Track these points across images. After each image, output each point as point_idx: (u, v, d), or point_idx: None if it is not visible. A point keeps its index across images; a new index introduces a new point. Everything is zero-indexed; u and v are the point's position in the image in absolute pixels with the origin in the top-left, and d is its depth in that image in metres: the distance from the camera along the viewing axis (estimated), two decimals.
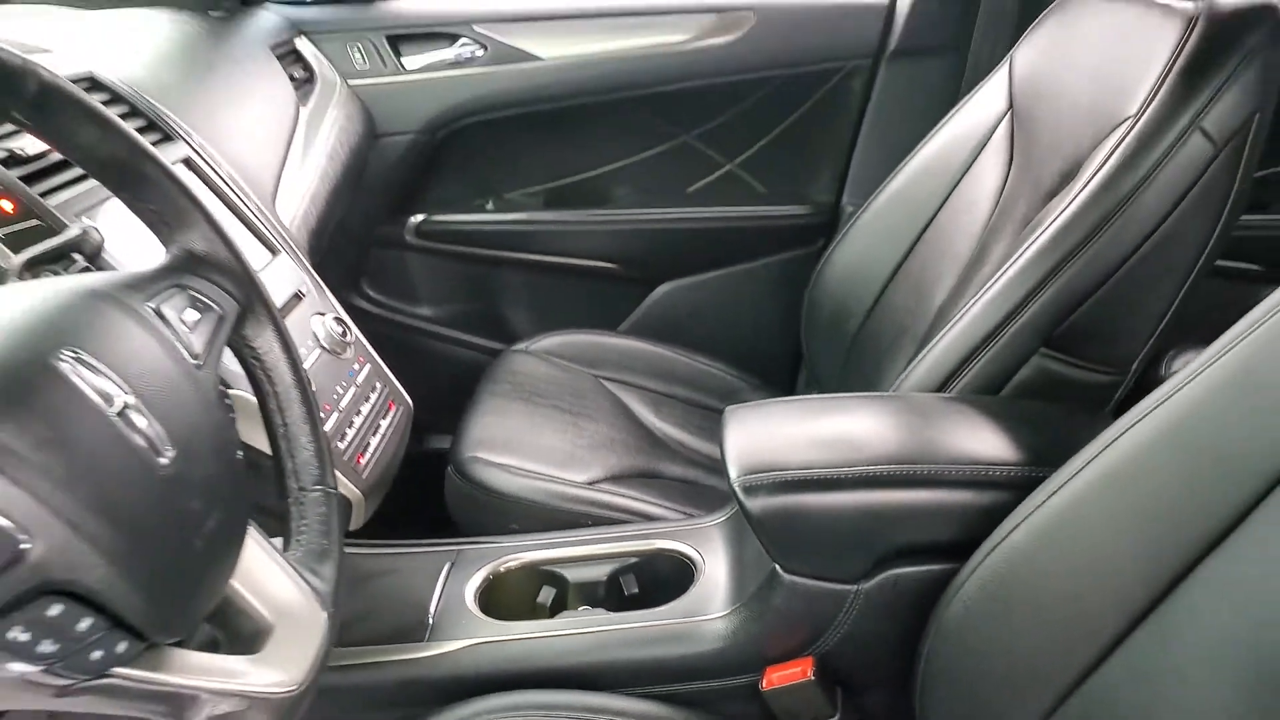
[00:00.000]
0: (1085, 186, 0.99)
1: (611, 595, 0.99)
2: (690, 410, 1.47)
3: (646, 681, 0.87)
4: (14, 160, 0.75)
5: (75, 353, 0.46)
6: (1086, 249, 0.97)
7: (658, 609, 0.92)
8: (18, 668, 0.41)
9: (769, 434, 0.90)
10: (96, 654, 0.43)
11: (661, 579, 0.98)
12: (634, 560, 1.00)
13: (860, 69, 1.62)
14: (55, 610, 0.41)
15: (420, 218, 1.68)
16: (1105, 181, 0.97)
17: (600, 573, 1.00)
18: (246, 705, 0.50)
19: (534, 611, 0.98)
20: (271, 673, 0.52)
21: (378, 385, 0.96)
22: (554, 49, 1.59)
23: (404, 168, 1.63)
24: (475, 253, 1.70)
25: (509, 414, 1.31)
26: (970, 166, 1.32)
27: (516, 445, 1.24)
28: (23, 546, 0.40)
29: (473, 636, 0.91)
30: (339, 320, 0.96)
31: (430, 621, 0.93)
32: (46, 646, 0.41)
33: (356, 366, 0.95)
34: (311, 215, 1.15)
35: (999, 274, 1.03)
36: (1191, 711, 0.57)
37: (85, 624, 0.42)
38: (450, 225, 1.69)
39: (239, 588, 0.54)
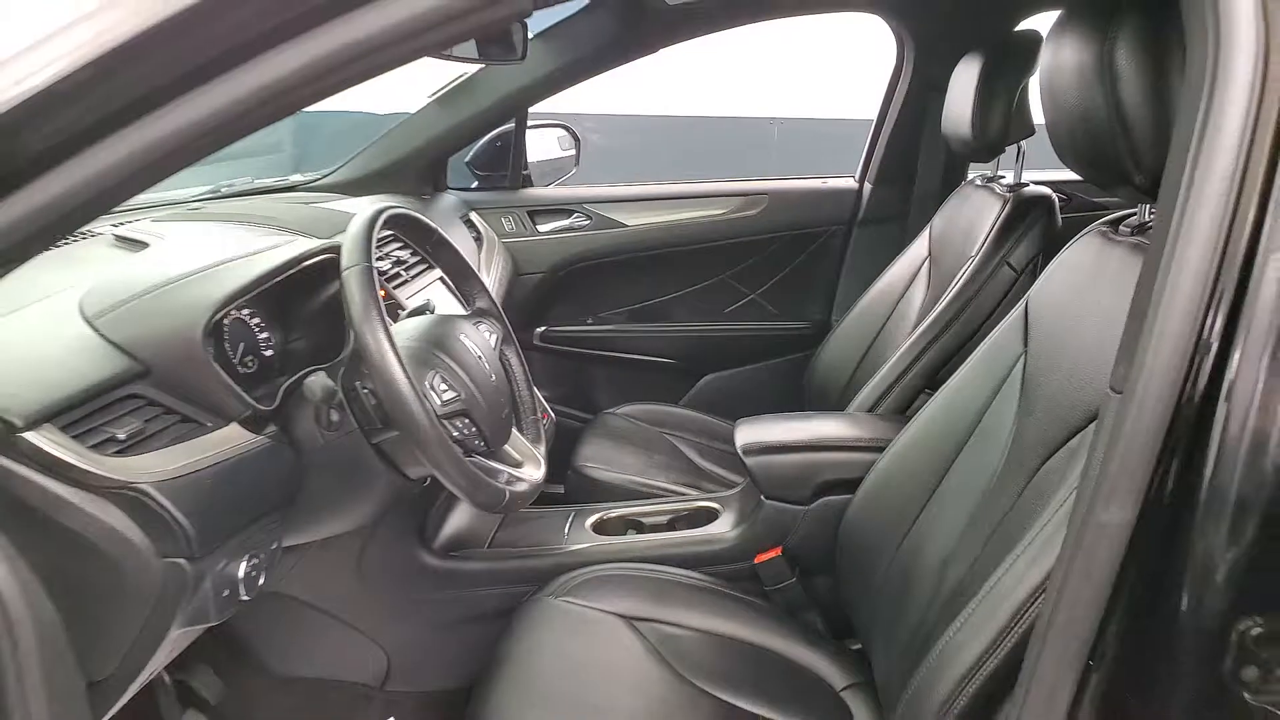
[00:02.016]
0: (949, 294, 1.64)
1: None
2: (723, 455, 2.07)
3: (690, 565, 1.46)
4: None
5: (464, 335, 1.13)
6: (949, 329, 1.61)
7: (696, 530, 1.54)
8: (455, 443, 1.05)
9: (760, 427, 1.53)
10: (477, 444, 1.08)
11: (699, 521, 1.59)
12: (684, 512, 1.62)
13: (840, 230, 2.29)
14: (466, 422, 1.06)
15: (543, 328, 2.34)
16: (958, 291, 1.62)
17: (663, 519, 1.61)
18: (520, 481, 1.13)
19: None
20: (532, 472, 1.16)
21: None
22: (636, 219, 2.28)
23: (535, 295, 2.29)
24: (579, 352, 2.34)
25: (605, 446, 1.95)
26: (906, 290, 1.96)
27: (612, 461, 1.87)
28: (461, 397, 1.05)
29: (590, 543, 1.53)
30: None
31: (565, 537, 1.55)
32: (465, 433, 1.06)
33: None
34: None
35: (904, 345, 1.67)
36: (948, 521, 1.16)
37: (473, 430, 1.07)
38: (563, 333, 2.34)
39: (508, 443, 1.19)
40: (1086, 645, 0.69)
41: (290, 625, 1.54)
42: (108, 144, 0.68)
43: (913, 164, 2.20)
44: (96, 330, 0.97)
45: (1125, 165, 0.86)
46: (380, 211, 1.08)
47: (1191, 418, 0.64)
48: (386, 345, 0.95)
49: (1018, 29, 1.90)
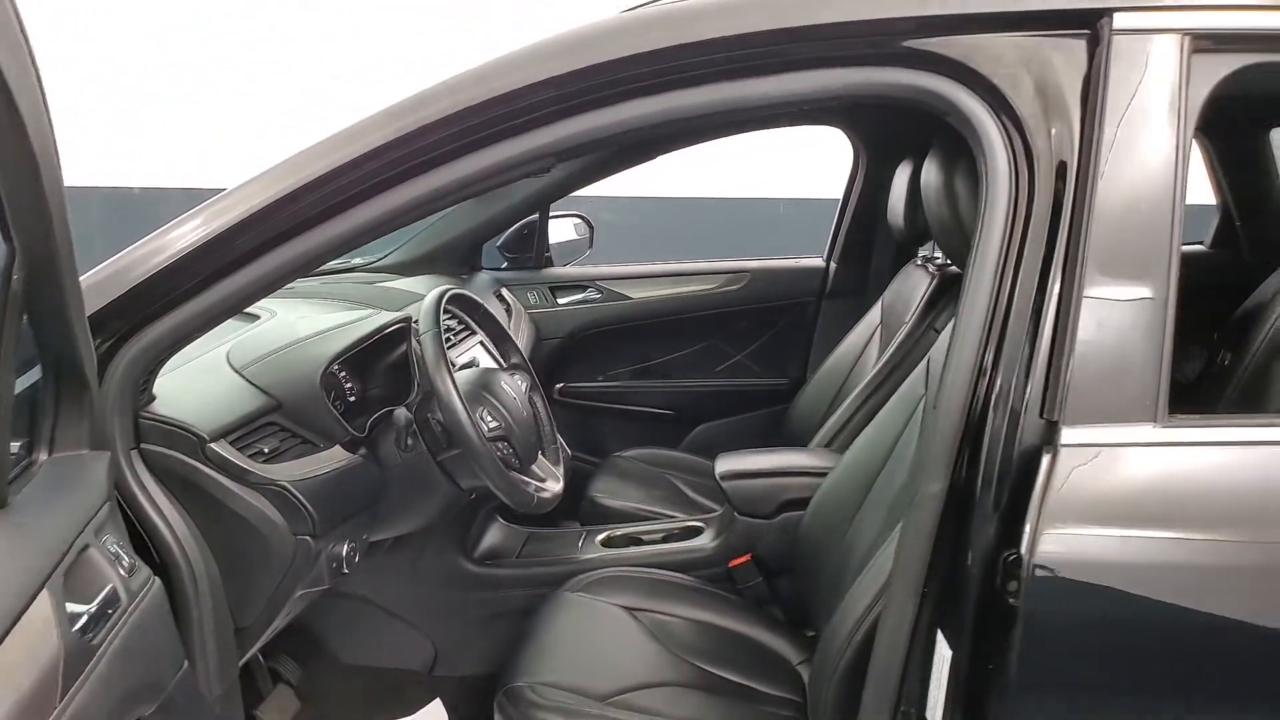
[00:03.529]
0: (888, 352, 1.98)
1: None
2: (711, 489, 2.35)
3: (678, 570, 1.78)
4: None
5: (504, 382, 1.49)
6: (888, 381, 1.95)
7: (683, 542, 1.86)
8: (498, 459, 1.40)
9: (734, 459, 1.87)
10: (513, 461, 1.42)
11: (686, 536, 1.91)
12: (675, 530, 1.95)
13: (810, 302, 2.64)
14: (505, 444, 1.41)
15: (561, 385, 2.68)
16: (894, 350, 1.97)
17: (658, 536, 1.94)
18: (545, 490, 1.47)
19: None
20: (553, 485, 1.50)
21: None
22: (640, 293, 2.64)
23: (555, 357, 2.63)
24: (592, 405, 2.67)
25: (615, 481, 2.28)
26: (863, 351, 2.30)
27: (619, 493, 2.20)
28: (502, 426, 1.41)
29: (599, 553, 1.86)
30: None
31: (579, 550, 1.88)
32: (505, 452, 1.40)
33: None
34: None
35: (855, 395, 2.01)
36: (871, 524, 1.48)
37: (510, 451, 1.42)
38: (579, 389, 2.67)
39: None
40: (920, 578, 1.02)
41: (356, 622, 1.86)
42: (276, 252, 1.05)
43: (869, 247, 2.57)
44: (244, 378, 1.33)
45: (964, 250, 1.22)
46: (445, 291, 1.45)
47: (975, 421, 0.98)
48: (451, 387, 1.30)
49: None
